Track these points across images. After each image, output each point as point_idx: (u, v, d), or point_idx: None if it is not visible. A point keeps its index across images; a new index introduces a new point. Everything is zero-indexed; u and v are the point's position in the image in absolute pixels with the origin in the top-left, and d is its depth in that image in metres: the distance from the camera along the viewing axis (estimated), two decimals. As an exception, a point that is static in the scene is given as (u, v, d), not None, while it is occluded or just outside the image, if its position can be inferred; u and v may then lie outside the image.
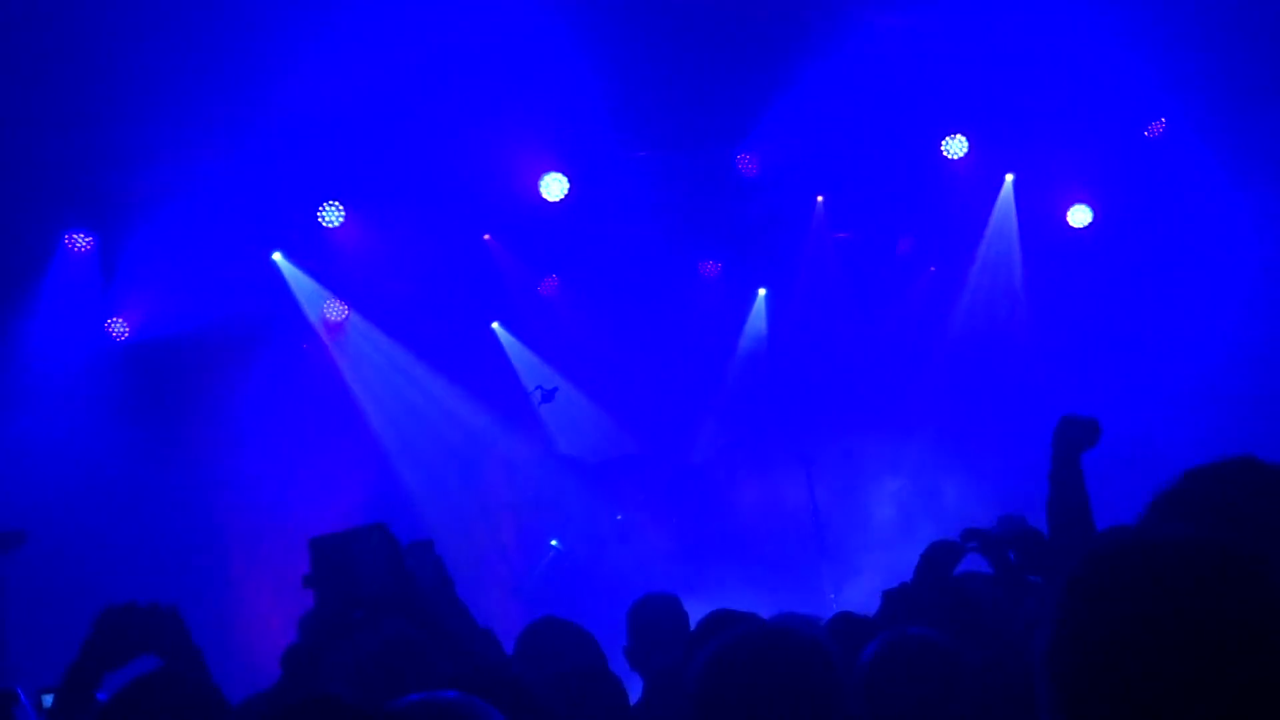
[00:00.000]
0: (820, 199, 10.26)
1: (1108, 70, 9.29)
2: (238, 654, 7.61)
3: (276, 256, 9.72)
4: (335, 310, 10.11)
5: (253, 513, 9.62)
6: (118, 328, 9.51)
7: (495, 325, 10.51)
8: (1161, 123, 10.10)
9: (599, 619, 5.52)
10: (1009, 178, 10.34)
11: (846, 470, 10.49)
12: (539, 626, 4.95)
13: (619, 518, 10.15)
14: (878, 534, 9.90)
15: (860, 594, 6.74)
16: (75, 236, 9.33)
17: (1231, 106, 9.67)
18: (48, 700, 4.34)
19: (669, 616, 5.34)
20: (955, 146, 10.01)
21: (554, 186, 9.56)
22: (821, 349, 10.65)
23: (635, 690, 5.17)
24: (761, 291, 10.83)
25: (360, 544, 3.31)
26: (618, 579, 8.80)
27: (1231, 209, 9.99)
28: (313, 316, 10.04)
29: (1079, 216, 10.51)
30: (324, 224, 9.47)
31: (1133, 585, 1.59)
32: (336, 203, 9.43)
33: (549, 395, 10.08)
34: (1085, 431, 4.03)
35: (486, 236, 9.95)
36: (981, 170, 10.12)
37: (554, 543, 9.08)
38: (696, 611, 5.24)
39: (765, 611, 4.37)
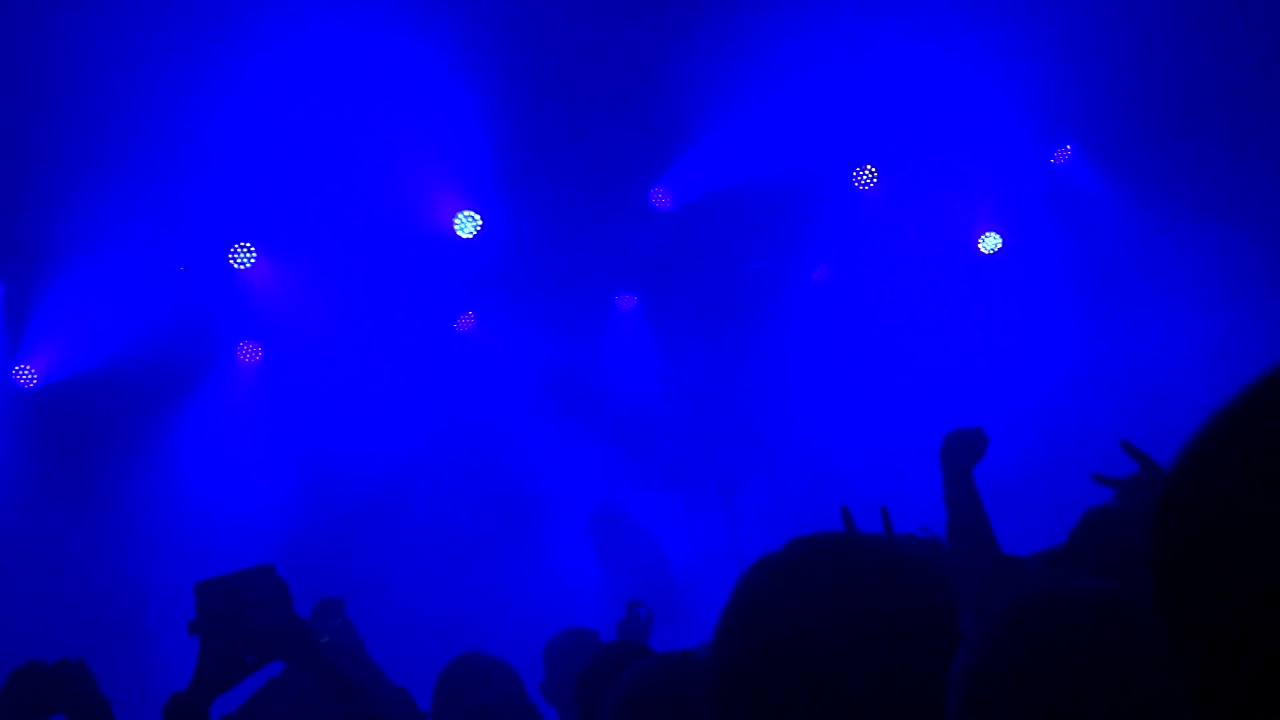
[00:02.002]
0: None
1: (1015, 97, 9.43)
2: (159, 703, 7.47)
3: (188, 299, 9.61)
4: (249, 352, 10.02)
5: (173, 558, 9.48)
6: (25, 375, 9.36)
7: None
8: (1068, 150, 10.29)
9: (519, 654, 5.50)
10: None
11: (769, 499, 10.52)
12: (458, 663, 4.93)
13: None
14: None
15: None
16: (-20, 284, 9.20)
17: (1138, 132, 9.85)
18: None
19: (585, 651, 5.33)
20: (866, 177, 10.11)
21: (467, 224, 9.56)
22: (741, 378, 10.67)
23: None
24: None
25: (248, 586, 3.23)
26: (537, 613, 8.74)
27: (1138, 233, 10.16)
28: (227, 359, 9.97)
29: (989, 243, 10.63)
30: (236, 266, 9.40)
31: (1038, 634, 1.72)
32: (248, 244, 9.36)
33: None
34: (971, 444, 3.95)
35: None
36: (893, 199, 10.22)
37: None
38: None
39: (688, 642, 4.37)
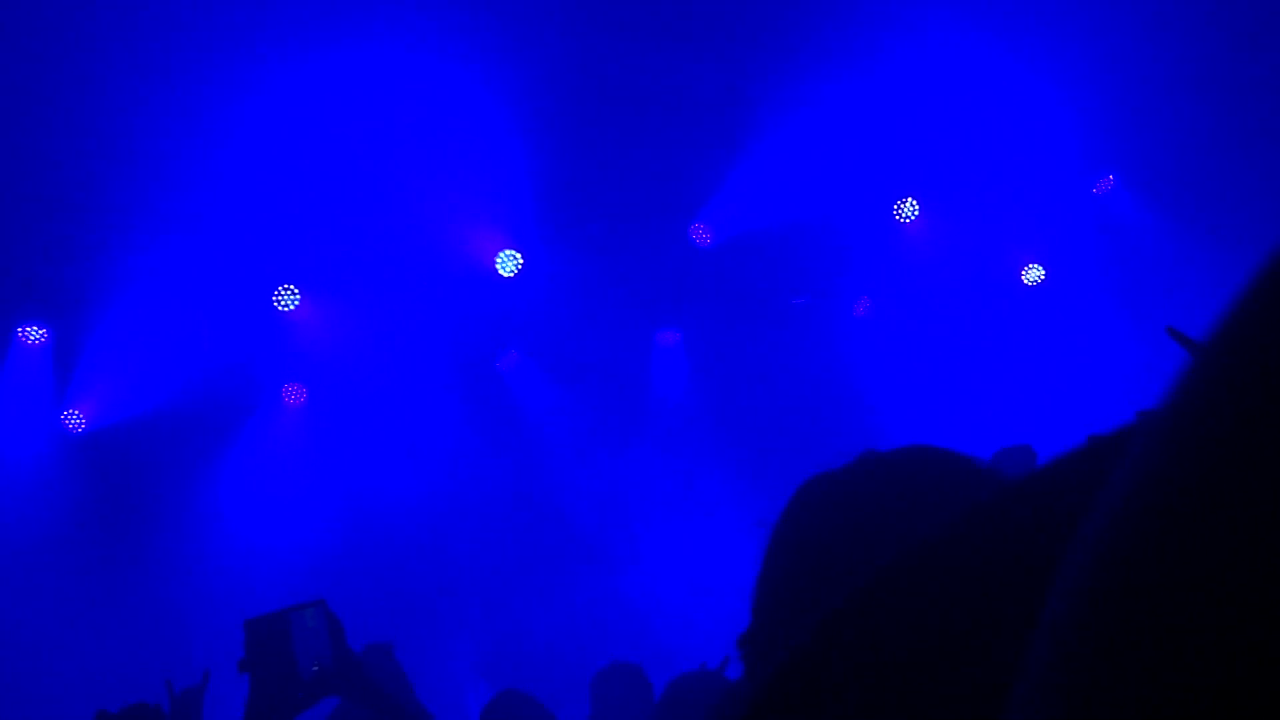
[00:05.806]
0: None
1: (1057, 128, 9.39)
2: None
3: (233, 342, 9.67)
4: (294, 394, 10.07)
5: (219, 598, 9.50)
6: (74, 420, 9.45)
7: None
8: (1110, 180, 10.21)
9: (566, 690, 5.50)
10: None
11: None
12: (500, 702, 4.96)
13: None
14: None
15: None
16: (28, 330, 9.28)
17: (1181, 160, 9.77)
18: None
19: (632, 686, 5.32)
20: (907, 209, 10.08)
21: (509, 263, 9.60)
22: (783, 412, 10.60)
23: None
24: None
25: (298, 622, 3.19)
26: (584, 650, 8.70)
27: (1179, 263, 10.04)
28: (272, 401, 10.02)
29: (1032, 274, 10.58)
30: (279, 308, 9.45)
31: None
32: (291, 286, 9.42)
33: None
34: (1022, 461, 4.02)
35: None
36: (934, 232, 10.18)
37: None
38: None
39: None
